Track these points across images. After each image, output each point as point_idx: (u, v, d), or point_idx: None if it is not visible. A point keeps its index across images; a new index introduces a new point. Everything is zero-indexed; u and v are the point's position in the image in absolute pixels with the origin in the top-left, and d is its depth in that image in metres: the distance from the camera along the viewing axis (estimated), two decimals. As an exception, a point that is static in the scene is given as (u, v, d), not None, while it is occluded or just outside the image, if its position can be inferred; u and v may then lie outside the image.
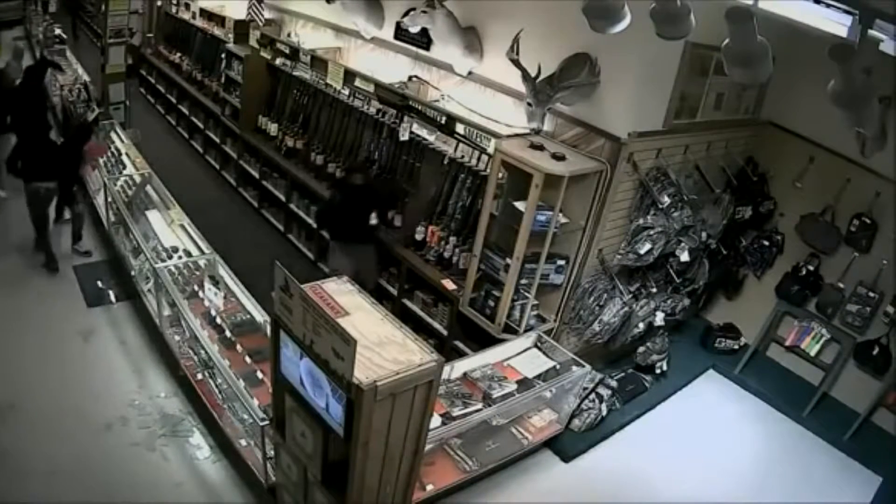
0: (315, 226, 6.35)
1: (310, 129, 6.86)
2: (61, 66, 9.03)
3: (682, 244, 4.93)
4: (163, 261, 4.94)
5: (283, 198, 7.01)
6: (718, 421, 5.33)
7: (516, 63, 4.34)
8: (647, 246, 4.64)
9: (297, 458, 3.17)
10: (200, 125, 8.98)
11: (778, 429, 5.33)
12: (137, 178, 6.14)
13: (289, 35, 7.47)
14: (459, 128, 4.99)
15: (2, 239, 6.21)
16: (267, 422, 3.53)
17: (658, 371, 5.44)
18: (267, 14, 7.61)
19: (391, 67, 5.96)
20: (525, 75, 4.34)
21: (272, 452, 3.60)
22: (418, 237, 5.44)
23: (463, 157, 5.19)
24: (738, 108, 5.29)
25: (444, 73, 5.47)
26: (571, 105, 4.51)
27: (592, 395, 4.75)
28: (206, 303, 4.65)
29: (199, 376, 4.48)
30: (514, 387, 4.22)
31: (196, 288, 4.81)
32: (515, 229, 4.33)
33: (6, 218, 6.54)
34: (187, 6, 9.58)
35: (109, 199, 6.04)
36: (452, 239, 5.19)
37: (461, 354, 4.80)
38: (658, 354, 5.35)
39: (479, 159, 5.07)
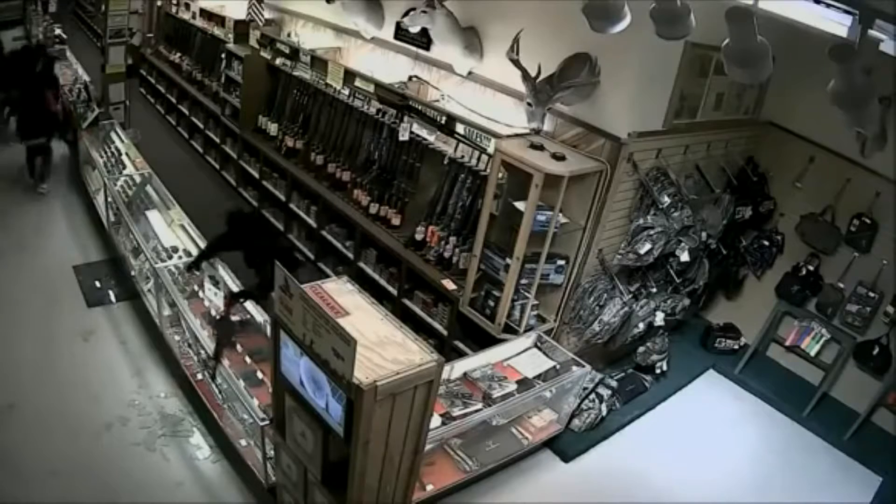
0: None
1: (310, 129, 6.85)
2: (58, 57, 8.99)
3: (682, 244, 4.93)
4: (163, 261, 4.94)
5: (283, 198, 7.01)
6: (718, 421, 5.33)
7: (516, 63, 4.34)
8: (647, 246, 4.64)
9: (297, 458, 3.17)
10: (200, 125, 8.98)
11: (778, 429, 5.33)
12: (137, 178, 6.14)
13: (289, 35, 7.47)
14: (459, 128, 4.99)
15: (1, 239, 6.22)
16: (267, 422, 3.53)
17: (658, 371, 5.44)
18: (267, 14, 7.61)
19: (391, 67, 5.96)
20: (525, 75, 4.34)
21: (272, 452, 3.59)
22: (418, 237, 5.44)
23: (463, 157, 5.19)
24: (738, 108, 5.29)
25: (444, 73, 5.47)
26: (571, 105, 4.51)
27: (592, 395, 4.75)
28: (206, 303, 4.65)
29: (199, 376, 4.48)
30: (514, 387, 4.21)
31: (196, 288, 4.81)
32: (515, 229, 4.34)
33: (6, 217, 6.54)
34: (187, 6, 9.58)
35: (109, 199, 6.04)
36: (452, 239, 5.19)
37: (461, 354, 4.80)
38: (658, 354, 5.35)
39: (479, 159, 5.07)
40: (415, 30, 5.15)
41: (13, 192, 6.98)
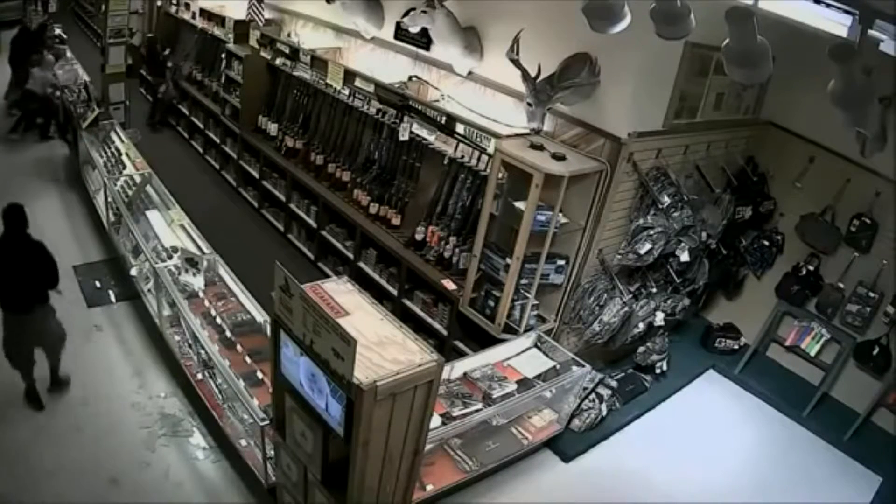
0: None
1: (310, 129, 6.86)
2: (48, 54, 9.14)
3: (682, 244, 4.93)
4: (163, 261, 4.94)
5: (283, 198, 7.01)
6: (718, 421, 5.33)
7: (516, 63, 4.34)
8: (647, 246, 4.64)
9: (297, 458, 3.17)
10: (200, 125, 8.98)
11: (778, 429, 5.34)
12: (137, 178, 6.15)
13: (289, 35, 7.47)
14: (459, 128, 4.98)
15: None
16: (267, 422, 3.53)
17: (658, 371, 5.44)
18: (267, 14, 7.61)
19: (391, 67, 5.96)
20: (525, 75, 4.34)
21: (272, 452, 3.60)
22: (418, 237, 5.44)
23: (463, 157, 5.19)
24: (738, 108, 5.29)
25: (444, 73, 5.47)
26: (571, 105, 4.51)
27: (592, 395, 4.76)
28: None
29: (199, 376, 4.48)
30: (514, 387, 4.21)
31: (196, 289, 4.82)
32: (515, 229, 4.33)
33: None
34: (187, 6, 9.58)
35: (109, 199, 6.05)
36: (452, 239, 5.19)
37: (461, 354, 4.80)
38: (658, 354, 5.35)
39: (479, 159, 5.07)
40: (415, 30, 5.15)
41: (11, 193, 6.97)
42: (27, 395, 4.35)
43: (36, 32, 9.89)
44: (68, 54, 9.74)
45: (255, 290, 4.61)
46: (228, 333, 4.45)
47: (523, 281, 4.51)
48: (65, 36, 10.74)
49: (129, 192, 5.99)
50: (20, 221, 4.14)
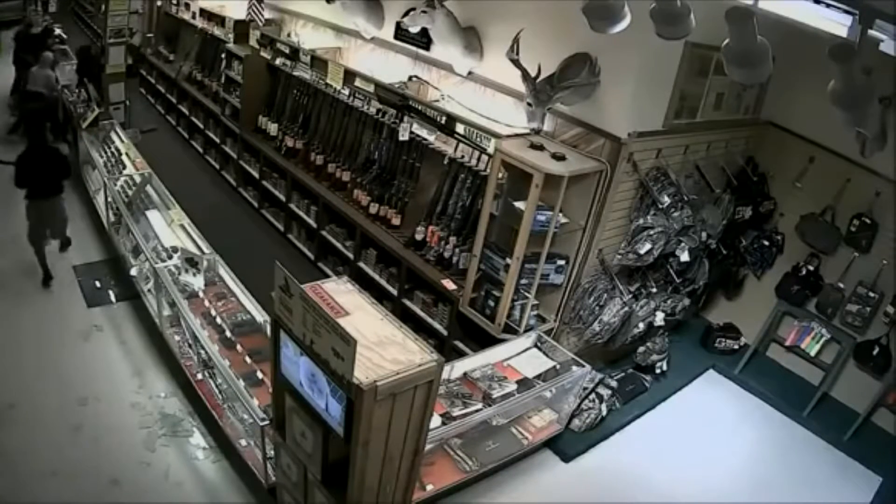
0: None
1: (310, 129, 6.86)
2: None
3: (682, 244, 4.93)
4: (163, 261, 4.94)
5: (283, 198, 7.01)
6: (718, 421, 5.33)
7: (516, 63, 4.34)
8: (647, 246, 4.64)
9: (297, 458, 3.17)
10: (200, 125, 8.98)
11: (778, 429, 5.33)
12: (137, 178, 6.15)
13: (289, 35, 7.47)
14: (459, 128, 4.98)
15: (2, 242, 6.21)
16: (267, 422, 3.53)
17: (658, 371, 5.44)
18: (267, 14, 7.61)
19: (391, 67, 5.96)
20: (525, 75, 4.34)
21: (272, 452, 3.60)
22: (418, 237, 5.44)
23: (463, 157, 5.19)
24: (738, 108, 5.29)
25: (444, 73, 5.47)
26: (571, 105, 4.51)
27: (592, 395, 4.76)
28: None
29: (199, 376, 4.48)
30: (514, 387, 4.21)
31: (196, 289, 4.82)
32: (515, 229, 4.33)
33: (5, 216, 6.54)
34: (187, 6, 9.58)
35: (109, 199, 6.05)
36: (452, 239, 5.19)
37: (461, 354, 4.80)
38: (658, 354, 5.35)
39: (479, 159, 5.08)
40: (415, 30, 5.15)
41: (12, 193, 6.96)
42: (42, 268, 5.72)
43: (45, 31, 9.90)
44: (68, 54, 9.76)
45: (255, 290, 4.62)
46: (228, 333, 4.46)
47: (523, 281, 4.51)
48: (65, 36, 10.74)
49: (129, 192, 5.99)
50: (42, 134, 6.01)
